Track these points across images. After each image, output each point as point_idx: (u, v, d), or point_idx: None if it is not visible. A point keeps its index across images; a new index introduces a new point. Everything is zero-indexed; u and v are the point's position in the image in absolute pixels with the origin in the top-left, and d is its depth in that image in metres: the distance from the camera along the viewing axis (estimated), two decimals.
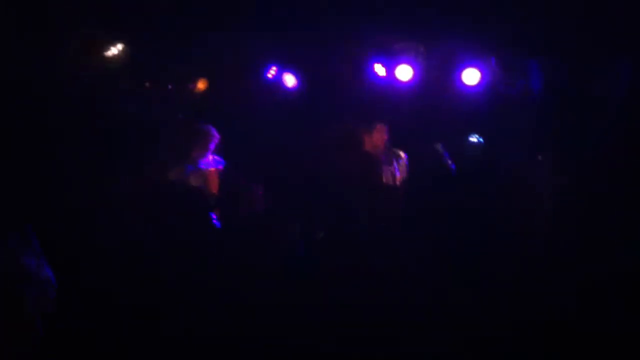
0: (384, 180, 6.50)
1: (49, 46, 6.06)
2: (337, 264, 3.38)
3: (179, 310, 3.18)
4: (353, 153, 6.45)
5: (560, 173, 5.70)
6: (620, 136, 5.95)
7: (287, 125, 7.75)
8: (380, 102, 7.46)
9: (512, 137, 7.03)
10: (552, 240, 3.43)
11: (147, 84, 7.29)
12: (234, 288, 3.31)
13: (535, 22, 6.40)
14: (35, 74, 5.91)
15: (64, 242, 3.30)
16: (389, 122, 6.72)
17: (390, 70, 7.45)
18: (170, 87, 7.51)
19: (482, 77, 7.27)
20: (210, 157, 6.76)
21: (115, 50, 6.82)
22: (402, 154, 6.62)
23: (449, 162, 6.88)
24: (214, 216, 4.57)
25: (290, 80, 7.64)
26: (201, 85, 7.70)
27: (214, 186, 6.04)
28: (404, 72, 7.42)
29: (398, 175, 6.48)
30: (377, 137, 6.65)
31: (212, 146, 6.77)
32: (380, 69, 7.44)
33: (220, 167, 6.55)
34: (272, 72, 7.58)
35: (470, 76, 7.29)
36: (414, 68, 7.41)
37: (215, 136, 6.75)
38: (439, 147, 7.04)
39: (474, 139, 7.81)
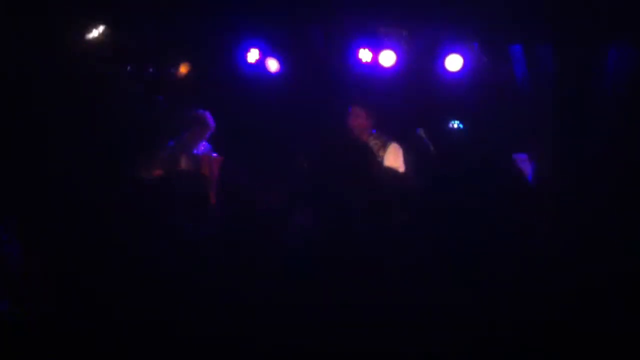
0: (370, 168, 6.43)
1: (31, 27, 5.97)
2: (336, 260, 3.37)
3: (178, 309, 3.16)
4: (338, 139, 6.41)
5: (553, 166, 5.78)
6: (614, 130, 6.01)
7: (270, 110, 7.72)
8: (363, 87, 7.43)
9: (496, 124, 7.07)
10: (551, 240, 3.45)
11: (128, 67, 7.20)
12: (232, 286, 3.29)
13: (520, 8, 6.40)
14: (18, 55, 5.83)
15: (63, 242, 3.28)
16: (371, 107, 6.63)
17: (373, 55, 7.43)
18: (151, 70, 7.42)
19: (465, 63, 7.28)
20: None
21: (95, 32, 6.72)
22: (392, 143, 6.49)
23: (431, 147, 6.89)
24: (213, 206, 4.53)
25: (273, 65, 7.58)
26: (183, 69, 7.62)
27: (212, 174, 6.02)
28: (388, 58, 7.41)
29: (386, 164, 6.40)
30: (355, 122, 6.57)
31: (207, 133, 6.74)
32: (365, 54, 7.40)
33: (215, 155, 6.53)
34: (255, 56, 7.51)
35: (454, 62, 7.31)
36: (397, 54, 7.39)
37: (211, 123, 6.72)
38: (421, 132, 7.06)
39: (454, 125, 7.86)
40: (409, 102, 7.51)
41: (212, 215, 4.07)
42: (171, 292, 3.16)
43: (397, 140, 6.49)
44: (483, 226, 3.39)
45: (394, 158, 6.39)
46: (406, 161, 6.41)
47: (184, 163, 6.22)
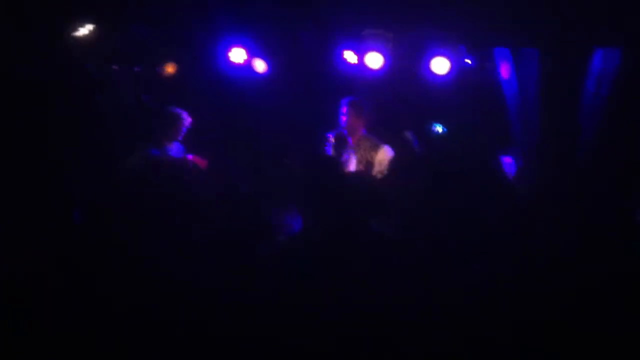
0: (353, 168, 6.44)
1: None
2: (334, 260, 3.37)
3: (176, 310, 3.15)
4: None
5: (538, 168, 5.82)
6: (600, 130, 6.07)
7: (257, 111, 7.72)
8: (350, 89, 7.45)
9: (482, 126, 7.11)
10: (551, 240, 3.48)
11: (114, 67, 7.16)
12: (230, 287, 3.28)
13: (505, 11, 6.45)
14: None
15: (62, 241, 3.25)
16: (361, 107, 6.66)
17: (360, 57, 7.44)
18: (137, 69, 7.38)
19: (451, 66, 7.31)
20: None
21: (84, 31, 6.67)
22: (383, 146, 6.51)
23: (418, 149, 6.91)
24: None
25: (260, 65, 7.57)
26: (169, 68, 7.58)
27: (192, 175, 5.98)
28: (374, 60, 7.41)
29: (377, 168, 6.41)
30: (347, 122, 6.60)
31: (182, 131, 6.70)
32: (350, 56, 7.41)
33: (189, 157, 6.49)
34: (242, 57, 7.50)
35: (440, 65, 7.33)
36: (383, 56, 7.40)
37: (187, 121, 6.68)
38: (408, 135, 7.08)
39: (438, 128, 7.90)
40: (396, 104, 7.54)
41: (203, 216, 4.06)
42: (169, 292, 3.14)
43: (389, 143, 6.52)
44: (470, 226, 3.42)
45: (383, 160, 6.42)
46: (395, 163, 6.41)
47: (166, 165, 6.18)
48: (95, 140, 6.34)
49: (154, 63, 7.52)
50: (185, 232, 3.57)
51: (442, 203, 3.96)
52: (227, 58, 7.47)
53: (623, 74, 6.20)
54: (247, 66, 7.54)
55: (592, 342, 2.96)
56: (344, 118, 6.64)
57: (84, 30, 6.71)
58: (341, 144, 6.54)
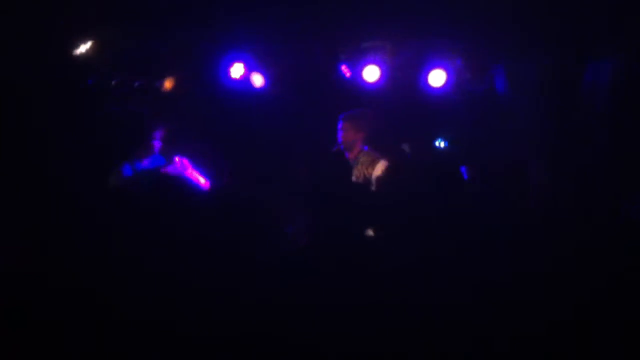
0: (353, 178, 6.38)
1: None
2: (335, 262, 3.40)
3: (179, 308, 3.17)
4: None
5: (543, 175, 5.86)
6: (595, 139, 6.12)
7: (254, 124, 7.76)
8: (347, 102, 7.48)
9: (479, 138, 7.15)
10: (552, 243, 3.50)
11: (113, 82, 7.21)
12: (231, 287, 3.30)
13: (503, 24, 6.50)
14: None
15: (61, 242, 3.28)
16: (360, 122, 6.59)
17: (357, 70, 7.49)
18: (137, 84, 7.43)
19: (448, 79, 7.36)
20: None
21: (83, 48, 6.74)
22: (381, 160, 6.38)
23: (414, 162, 6.90)
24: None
25: (258, 79, 7.62)
26: (168, 83, 7.63)
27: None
28: (371, 73, 7.46)
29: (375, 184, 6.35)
30: (344, 137, 6.54)
31: (154, 148, 6.66)
32: (348, 70, 7.47)
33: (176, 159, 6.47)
34: (240, 71, 7.55)
35: (437, 77, 7.38)
36: (381, 69, 7.44)
37: (158, 138, 6.65)
38: (406, 147, 7.10)
39: (440, 144, 7.91)
40: (393, 117, 7.56)
41: (206, 219, 4.08)
42: (170, 294, 3.16)
43: (386, 157, 6.38)
44: (468, 231, 3.44)
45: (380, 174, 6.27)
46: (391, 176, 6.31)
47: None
48: (90, 152, 6.36)
49: (153, 77, 7.56)
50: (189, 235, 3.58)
51: (438, 210, 3.98)
52: (226, 72, 7.53)
53: (620, 83, 6.25)
54: (245, 81, 7.59)
55: (592, 342, 2.98)
56: (340, 133, 6.55)
57: (85, 44, 6.77)
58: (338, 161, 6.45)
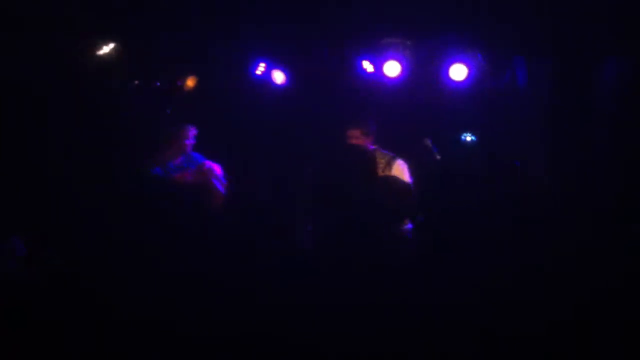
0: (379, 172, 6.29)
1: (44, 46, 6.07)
2: (339, 260, 3.42)
3: (180, 308, 3.21)
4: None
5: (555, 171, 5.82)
6: (609, 136, 6.07)
7: (276, 121, 7.80)
8: (368, 98, 7.49)
9: (501, 133, 7.13)
10: (553, 242, 3.50)
11: (136, 82, 7.28)
12: (236, 286, 3.34)
13: (523, 18, 6.47)
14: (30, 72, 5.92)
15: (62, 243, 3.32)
16: (367, 123, 6.50)
17: (378, 66, 7.48)
18: (158, 84, 7.49)
19: (469, 73, 7.33)
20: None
21: (107, 49, 6.81)
22: (397, 160, 6.37)
23: (437, 157, 6.88)
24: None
25: (279, 77, 7.65)
26: (190, 82, 7.68)
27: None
28: (392, 68, 7.45)
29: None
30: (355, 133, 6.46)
31: (187, 145, 6.73)
32: (368, 65, 7.47)
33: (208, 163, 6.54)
34: (261, 68, 7.58)
35: (458, 72, 7.36)
36: (401, 64, 7.43)
37: (191, 134, 6.72)
38: (427, 142, 7.07)
39: (468, 137, 7.87)
40: (415, 112, 7.56)
41: (218, 221, 4.12)
42: (170, 294, 3.20)
43: (402, 155, 6.33)
44: (490, 230, 3.44)
45: (399, 174, 6.19)
46: (412, 175, 6.27)
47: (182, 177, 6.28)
48: (115, 155, 6.44)
49: (174, 77, 7.61)
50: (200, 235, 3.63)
51: (459, 206, 3.99)
52: (247, 70, 7.56)
53: (626, 84, 6.21)
54: (266, 78, 7.62)
55: (592, 343, 2.97)
56: (350, 140, 6.44)
57: (106, 47, 6.84)
58: None
